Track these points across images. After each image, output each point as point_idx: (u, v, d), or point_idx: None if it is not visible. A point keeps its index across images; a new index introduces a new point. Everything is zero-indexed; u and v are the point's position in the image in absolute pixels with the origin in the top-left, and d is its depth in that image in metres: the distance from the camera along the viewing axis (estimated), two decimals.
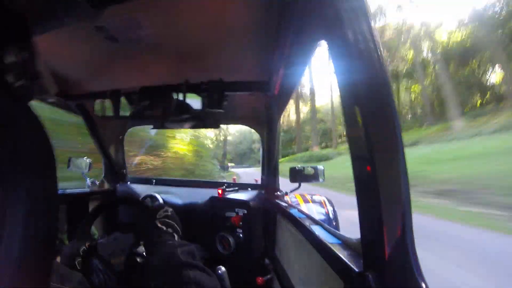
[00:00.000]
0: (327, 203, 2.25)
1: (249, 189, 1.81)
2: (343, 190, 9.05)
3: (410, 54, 24.80)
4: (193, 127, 1.57)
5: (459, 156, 10.99)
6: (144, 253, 1.19)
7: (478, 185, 7.58)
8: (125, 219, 1.81)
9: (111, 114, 1.36)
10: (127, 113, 1.35)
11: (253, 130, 1.82)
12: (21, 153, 0.31)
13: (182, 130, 7.76)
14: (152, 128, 1.71)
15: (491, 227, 4.88)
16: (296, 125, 36.04)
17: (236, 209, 1.54)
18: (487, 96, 20.89)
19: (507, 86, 18.02)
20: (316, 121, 33.08)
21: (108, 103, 1.37)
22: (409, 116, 27.65)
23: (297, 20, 0.73)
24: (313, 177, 1.57)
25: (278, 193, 1.63)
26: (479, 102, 21.09)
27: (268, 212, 1.57)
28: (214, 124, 1.62)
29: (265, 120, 1.59)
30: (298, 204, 2.14)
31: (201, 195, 1.73)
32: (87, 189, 1.82)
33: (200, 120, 1.53)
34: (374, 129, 0.45)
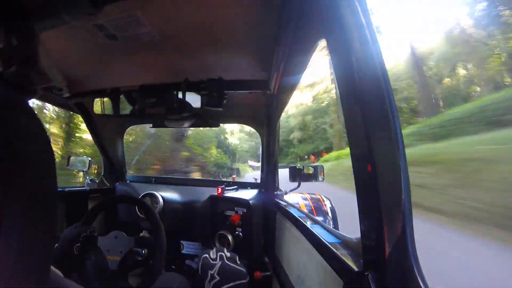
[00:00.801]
0: (327, 203, 2.26)
1: (249, 188, 1.81)
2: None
3: None
4: (193, 125, 1.57)
5: None
6: (140, 259, 1.20)
7: None
8: (125, 217, 1.82)
9: (111, 113, 1.36)
10: (127, 112, 1.35)
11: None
12: (20, 151, 0.31)
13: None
14: (152, 127, 1.71)
15: None
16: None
17: (236, 208, 1.53)
18: None
19: None
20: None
21: (107, 101, 1.37)
22: None
23: (297, 18, 0.73)
24: (312, 177, 1.57)
25: (278, 192, 1.63)
26: None
27: (267, 211, 1.57)
28: (213, 122, 1.62)
29: (265, 119, 1.59)
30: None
31: (200, 194, 1.73)
32: (86, 188, 1.82)
33: (200, 118, 1.53)
34: (374, 128, 0.44)
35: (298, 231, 1.01)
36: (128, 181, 2.03)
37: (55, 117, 6.94)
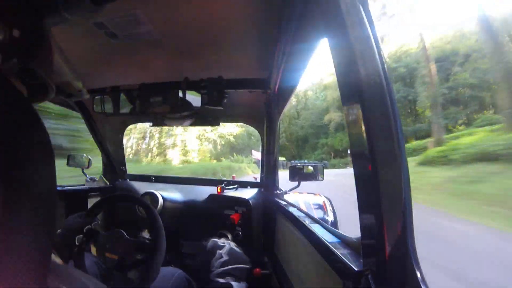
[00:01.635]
0: (327, 203, 2.26)
1: (249, 187, 1.81)
2: None
3: None
4: (193, 124, 1.57)
5: None
6: (138, 258, 1.20)
7: None
8: (124, 216, 1.82)
9: (111, 111, 1.36)
10: (127, 110, 1.35)
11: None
12: (20, 150, 0.31)
13: None
14: (152, 126, 1.71)
15: None
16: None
17: (236, 207, 1.54)
18: None
19: None
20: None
21: (107, 99, 1.37)
22: None
23: (298, 17, 0.73)
24: (312, 176, 1.57)
25: (278, 191, 1.63)
26: None
27: (267, 210, 1.57)
28: (213, 121, 1.62)
29: (265, 118, 1.59)
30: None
31: (200, 193, 1.73)
32: (86, 186, 1.82)
33: (200, 117, 1.53)
34: (375, 128, 0.44)
35: (297, 230, 1.01)
36: (127, 180, 2.03)
37: None
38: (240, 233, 1.51)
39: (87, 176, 1.88)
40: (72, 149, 7.07)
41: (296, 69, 1.03)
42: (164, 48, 1.06)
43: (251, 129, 1.89)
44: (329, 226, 0.84)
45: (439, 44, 22.52)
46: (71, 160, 1.86)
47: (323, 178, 1.58)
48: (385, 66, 0.45)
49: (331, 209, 2.23)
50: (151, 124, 1.72)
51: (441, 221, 5.45)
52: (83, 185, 1.84)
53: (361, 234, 0.52)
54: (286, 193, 1.65)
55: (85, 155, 1.91)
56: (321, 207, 2.21)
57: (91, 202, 1.73)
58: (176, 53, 1.11)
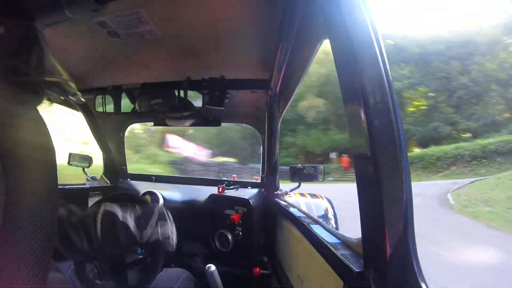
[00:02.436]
0: (328, 205, 2.25)
1: (249, 187, 1.81)
2: None
3: None
4: (194, 124, 1.57)
5: None
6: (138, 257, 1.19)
7: None
8: None
9: (112, 110, 1.36)
10: (128, 110, 1.35)
11: None
12: (22, 149, 0.31)
13: None
14: (153, 125, 1.71)
15: None
16: None
17: (236, 207, 1.53)
18: None
19: None
20: None
21: (109, 99, 1.37)
22: None
23: (300, 18, 0.73)
24: (313, 177, 1.57)
25: (278, 192, 1.63)
26: None
27: (268, 210, 1.57)
28: (214, 121, 1.61)
29: (266, 119, 1.59)
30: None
31: (201, 193, 1.73)
32: (86, 185, 1.82)
33: (201, 117, 1.53)
34: (376, 128, 0.44)
35: (298, 231, 1.01)
36: (128, 179, 2.03)
37: None
38: (241, 233, 1.51)
39: (88, 175, 1.88)
40: None
41: (297, 69, 1.03)
42: (166, 47, 1.06)
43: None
44: (330, 227, 0.84)
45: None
46: (72, 159, 1.86)
47: (324, 179, 1.58)
48: (387, 67, 0.45)
49: (332, 211, 2.23)
50: (152, 124, 1.72)
51: None
52: (84, 184, 1.85)
53: (362, 235, 0.52)
54: (286, 193, 1.65)
55: (85, 153, 1.92)
56: (322, 209, 2.20)
57: (91, 201, 1.73)
58: (178, 53, 1.12)
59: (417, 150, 18.06)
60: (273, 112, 1.48)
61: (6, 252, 0.28)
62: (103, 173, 1.96)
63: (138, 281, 1.07)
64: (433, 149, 17.56)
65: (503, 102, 18.54)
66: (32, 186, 0.31)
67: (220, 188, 1.63)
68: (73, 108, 1.70)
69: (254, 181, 1.88)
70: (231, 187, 1.72)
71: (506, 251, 4.70)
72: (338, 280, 0.59)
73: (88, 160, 1.88)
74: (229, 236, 1.52)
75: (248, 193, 1.63)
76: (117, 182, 1.96)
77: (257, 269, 1.41)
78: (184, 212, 1.70)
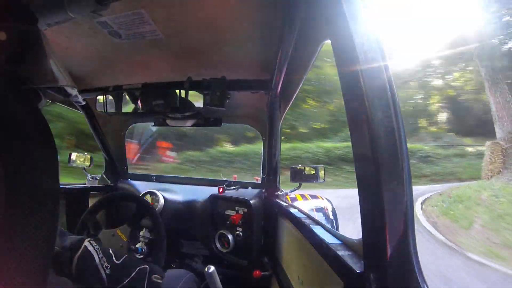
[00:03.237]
0: (328, 206, 2.25)
1: (250, 187, 1.81)
2: None
3: None
4: (195, 125, 1.57)
5: None
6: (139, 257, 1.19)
7: None
8: (125, 215, 1.82)
9: (113, 110, 1.36)
10: (129, 110, 1.35)
11: None
12: (26, 150, 0.31)
13: None
14: (154, 125, 1.71)
15: None
16: None
17: (237, 208, 1.53)
18: None
19: None
20: None
21: (110, 99, 1.37)
22: None
23: (301, 19, 0.73)
24: (313, 177, 1.57)
25: (279, 192, 1.62)
26: None
27: (268, 211, 1.57)
28: (215, 122, 1.62)
29: (267, 120, 1.59)
30: (295, 199, 2.14)
31: (201, 193, 1.73)
32: (87, 185, 1.82)
33: (202, 118, 1.53)
34: (377, 129, 0.44)
35: (298, 232, 1.01)
36: (129, 179, 2.03)
37: None
38: (241, 233, 1.51)
39: (88, 175, 1.88)
40: None
41: (298, 70, 1.03)
42: (167, 47, 1.07)
43: None
44: (330, 228, 0.84)
45: None
46: (72, 159, 1.86)
47: (325, 180, 1.58)
48: (388, 68, 0.45)
49: (332, 212, 2.23)
50: (153, 124, 1.72)
51: None
52: (85, 184, 1.85)
53: (362, 235, 0.52)
54: (287, 194, 1.65)
55: (86, 153, 1.92)
56: (322, 209, 2.20)
57: (92, 201, 1.74)
58: (179, 53, 1.12)
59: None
60: (274, 113, 1.48)
61: (6, 252, 0.28)
62: (103, 173, 1.96)
63: None
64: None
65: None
66: (33, 186, 0.31)
67: (221, 188, 1.63)
68: (74, 108, 1.71)
69: (255, 181, 1.88)
70: (231, 187, 1.72)
71: None
72: (338, 281, 0.59)
73: (88, 160, 1.88)
74: (230, 237, 1.52)
75: (248, 193, 1.63)
76: (117, 182, 1.96)
77: (257, 272, 1.41)
78: (184, 212, 1.70)
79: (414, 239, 0.44)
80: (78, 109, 1.69)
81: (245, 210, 1.51)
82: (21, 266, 0.29)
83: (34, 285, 0.30)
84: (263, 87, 1.29)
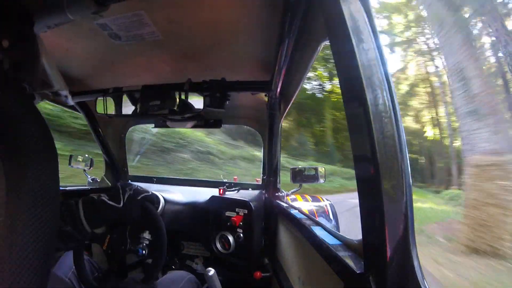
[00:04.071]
0: (329, 207, 2.25)
1: (250, 189, 1.81)
2: None
3: None
4: (195, 126, 1.57)
5: None
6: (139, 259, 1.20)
7: None
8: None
9: (113, 112, 1.36)
10: (129, 111, 1.35)
11: None
12: (25, 152, 0.31)
13: None
14: (154, 127, 1.71)
15: None
16: None
17: (237, 209, 1.53)
18: None
19: None
20: None
21: (110, 101, 1.38)
22: None
23: (300, 19, 0.73)
24: (313, 178, 1.57)
25: (279, 193, 1.62)
26: None
27: (268, 212, 1.57)
28: (215, 123, 1.62)
29: (267, 121, 1.59)
30: (295, 199, 2.14)
31: (201, 194, 1.73)
32: (87, 187, 1.82)
33: (202, 119, 1.54)
34: (377, 130, 0.44)
35: (299, 233, 1.01)
36: (129, 181, 2.03)
37: None
38: (241, 235, 1.51)
39: (89, 176, 1.88)
40: None
41: (298, 71, 1.04)
42: (167, 49, 1.07)
43: None
44: (330, 229, 0.84)
45: None
46: (73, 160, 1.86)
47: (325, 180, 1.58)
48: (387, 68, 0.45)
49: (333, 213, 2.23)
50: (153, 125, 1.72)
51: None
52: (85, 185, 1.85)
53: (362, 236, 0.51)
54: (287, 195, 1.65)
55: (87, 155, 1.92)
56: (322, 210, 2.20)
57: None
58: (179, 55, 1.12)
59: None
60: (274, 114, 1.48)
61: (6, 253, 0.28)
62: (104, 174, 1.96)
63: (141, 281, 1.07)
64: None
65: None
66: (33, 187, 0.31)
67: (221, 190, 1.63)
68: (74, 110, 1.71)
69: (255, 183, 1.88)
70: (232, 189, 1.72)
71: None
72: (338, 282, 0.59)
73: (89, 161, 1.88)
74: (230, 238, 1.51)
75: (249, 194, 1.63)
76: (118, 184, 1.96)
77: (258, 273, 1.41)
78: (185, 214, 1.70)
79: (414, 239, 0.44)
80: (77, 111, 1.69)
81: (246, 211, 1.51)
82: (22, 266, 0.29)
83: (35, 285, 0.30)
84: (263, 88, 1.29)
